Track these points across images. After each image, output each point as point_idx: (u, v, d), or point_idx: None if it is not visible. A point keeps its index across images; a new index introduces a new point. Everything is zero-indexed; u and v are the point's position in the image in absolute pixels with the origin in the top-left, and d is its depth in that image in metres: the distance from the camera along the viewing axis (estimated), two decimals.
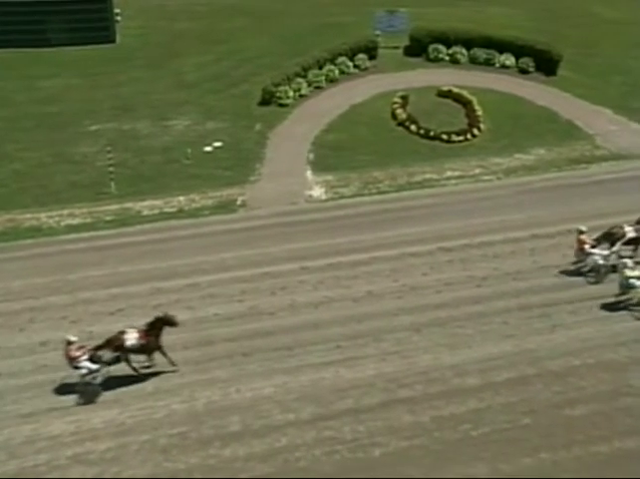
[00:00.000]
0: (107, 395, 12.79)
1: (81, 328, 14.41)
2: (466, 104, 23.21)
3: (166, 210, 18.73)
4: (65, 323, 14.54)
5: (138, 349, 12.93)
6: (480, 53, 26.04)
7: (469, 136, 22.00)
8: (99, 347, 12.84)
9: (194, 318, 14.65)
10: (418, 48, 26.53)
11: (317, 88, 24.44)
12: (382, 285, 15.67)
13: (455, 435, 12.10)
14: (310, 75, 24.48)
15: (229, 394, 12.87)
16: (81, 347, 12.71)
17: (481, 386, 13.06)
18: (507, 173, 20.64)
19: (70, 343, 12.65)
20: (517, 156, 21.39)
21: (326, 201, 19.29)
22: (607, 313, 14.74)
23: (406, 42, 26.82)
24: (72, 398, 12.67)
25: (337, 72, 25.04)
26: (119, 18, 28.74)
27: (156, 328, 12.98)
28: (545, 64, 25.57)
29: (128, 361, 13.02)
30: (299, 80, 24.10)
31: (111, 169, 19.31)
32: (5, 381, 13.01)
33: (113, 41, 27.72)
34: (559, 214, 18.15)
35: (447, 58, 26.22)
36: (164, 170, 20.36)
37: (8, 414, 12.28)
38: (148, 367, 13.21)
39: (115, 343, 12.84)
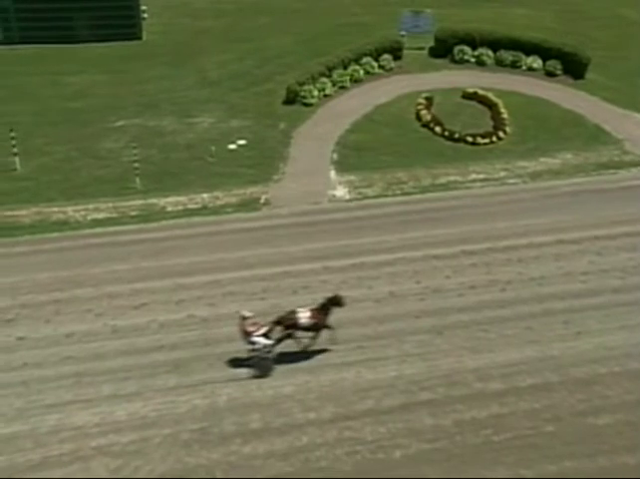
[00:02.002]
0: (129, 388, 12.91)
1: (105, 322, 14.58)
2: (491, 106, 23.03)
3: (190, 206, 18.83)
4: (89, 316, 14.70)
5: (308, 327, 13.40)
6: (507, 55, 25.81)
7: (494, 138, 21.81)
8: (272, 324, 13.27)
9: (216, 315, 14.73)
10: (443, 49, 26.39)
11: (341, 88, 24.41)
12: (404, 287, 15.60)
13: (476, 439, 12.01)
14: (335, 75, 24.46)
15: (250, 391, 12.91)
16: (254, 323, 13.14)
17: (504, 391, 12.94)
18: (533, 176, 20.43)
19: (245, 318, 13.11)
20: (543, 159, 21.16)
21: (349, 201, 19.25)
22: (635, 322, 14.52)
23: (431, 43, 26.70)
24: (96, 390, 12.81)
25: (362, 72, 25.00)
26: (145, 15, 29.00)
27: (325, 308, 13.48)
28: (573, 67, 25.28)
29: (293, 338, 13.47)
30: (324, 79, 24.09)
31: (136, 164, 19.47)
32: (31, 371, 13.18)
33: (139, 38, 27.97)
34: (586, 219, 17.95)
35: (472, 59, 26.04)
36: (189, 166, 20.48)
37: (33, 404, 12.44)
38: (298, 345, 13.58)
39: (287, 321, 13.31)
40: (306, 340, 13.64)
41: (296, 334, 13.51)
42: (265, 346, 13.09)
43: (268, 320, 13.34)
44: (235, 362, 13.50)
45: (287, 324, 13.40)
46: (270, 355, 13.17)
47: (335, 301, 13.59)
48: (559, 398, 12.69)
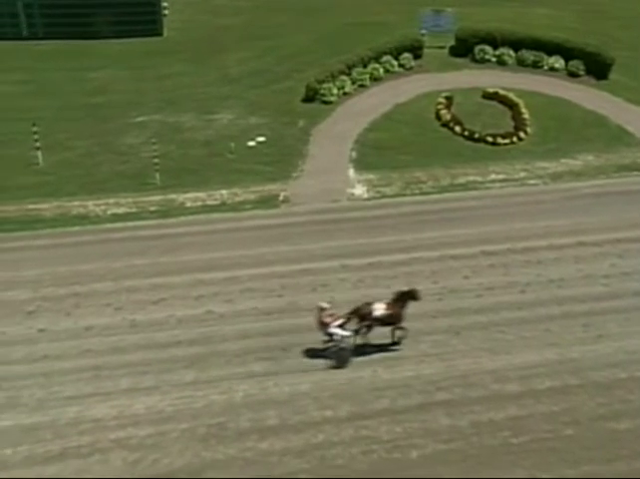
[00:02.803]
0: (147, 382, 13.02)
1: (124, 316, 14.72)
2: (512, 106, 22.82)
3: (209, 202, 18.93)
4: (109, 310, 14.84)
5: (384, 320, 13.53)
6: (528, 55, 25.56)
7: (514, 139, 21.62)
8: (349, 316, 13.42)
9: (234, 311, 14.81)
10: (463, 48, 26.19)
11: (361, 86, 24.35)
12: (421, 287, 15.38)
13: (493, 441, 11.96)
14: (354, 73, 24.41)
15: (267, 388, 12.96)
16: (331, 315, 13.32)
17: (522, 393, 12.86)
18: (554, 177, 20.23)
19: (322, 310, 13.30)
20: (564, 161, 20.95)
21: (368, 199, 19.22)
22: None
23: (451, 42, 26.51)
24: (115, 383, 12.94)
25: (381, 71, 24.91)
26: (166, 12, 29.15)
27: (400, 301, 13.61)
28: (596, 67, 24.96)
29: (368, 331, 13.58)
30: (343, 77, 24.05)
31: (155, 160, 19.60)
32: (51, 363, 13.36)
33: (160, 34, 28.12)
34: (607, 221, 17.75)
35: (493, 59, 25.82)
36: (208, 163, 20.57)
37: (54, 396, 12.61)
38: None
39: (364, 313, 13.43)
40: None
41: (371, 327, 13.54)
42: (343, 337, 13.25)
43: (345, 312, 13.46)
44: (252, 358, 13.55)
45: (363, 316, 13.50)
46: (348, 346, 13.33)
47: (411, 295, 13.69)
48: (579, 402, 12.59)
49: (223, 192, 19.34)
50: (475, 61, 25.86)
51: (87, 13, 27.33)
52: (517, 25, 27.08)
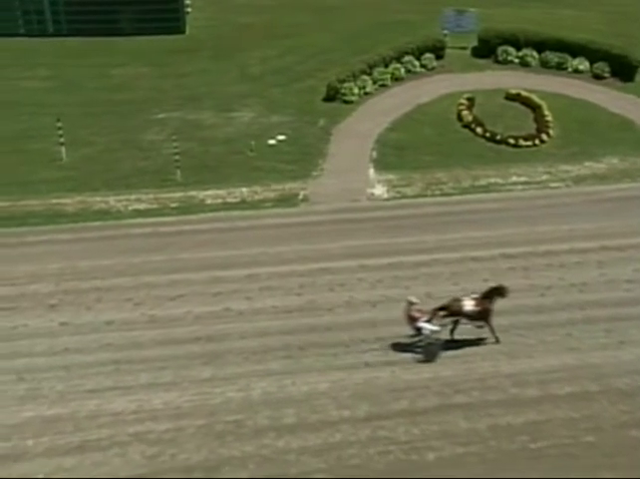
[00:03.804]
0: (166, 378, 13.09)
1: (143, 311, 14.82)
2: (535, 108, 22.60)
3: (229, 200, 18.99)
4: (128, 305, 14.96)
5: (472, 316, 13.61)
6: (552, 56, 25.28)
7: (537, 141, 21.40)
8: (437, 310, 13.53)
9: (252, 309, 14.84)
10: (486, 49, 25.99)
11: (382, 86, 24.27)
12: (441, 288, 15.40)
13: (511, 445, 11.84)
14: (376, 73, 24.34)
15: (285, 386, 12.96)
16: (420, 310, 13.46)
17: (541, 398, 12.72)
18: (577, 181, 19.99)
19: (411, 304, 13.44)
20: (588, 164, 20.69)
21: (388, 199, 19.15)
22: None
23: (474, 43, 26.32)
24: (134, 378, 13.04)
25: (403, 71, 24.81)
26: (188, 9, 29.33)
27: (489, 297, 13.65)
28: (622, 69, 24.60)
29: (455, 326, 13.68)
30: (364, 77, 24.00)
31: (176, 157, 19.72)
32: (72, 356, 13.49)
33: (182, 32, 28.30)
34: (631, 226, 17.47)
35: (516, 60, 25.59)
36: (228, 160, 20.64)
37: (74, 388, 12.73)
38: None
39: (453, 308, 13.54)
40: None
41: (458, 322, 13.64)
42: (432, 332, 13.32)
43: (433, 307, 13.54)
44: (270, 356, 13.57)
45: (452, 312, 13.55)
46: (438, 341, 13.40)
47: (499, 291, 13.66)
48: (599, 408, 12.41)
49: (243, 189, 19.39)
50: (497, 62, 25.64)
51: (111, 10, 27.61)
52: (542, 26, 26.79)
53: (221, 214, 18.40)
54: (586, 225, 17.67)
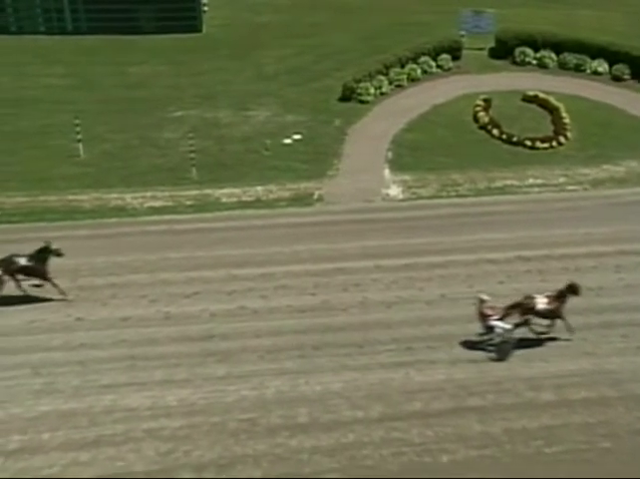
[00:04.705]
0: (180, 375, 13.15)
1: (158, 308, 14.90)
2: (552, 110, 22.44)
3: (244, 199, 19.04)
4: (144, 302, 15.03)
5: (545, 314, 13.59)
6: (571, 58, 25.10)
7: (554, 143, 21.26)
8: (510, 308, 13.52)
9: (267, 308, 14.86)
10: (503, 50, 25.88)
11: (398, 86, 24.24)
12: (456, 290, 15.38)
13: (526, 450, 11.74)
14: (392, 73, 24.30)
15: (298, 386, 12.96)
16: (492, 307, 13.46)
17: (557, 403, 12.60)
18: (594, 184, 19.82)
19: (482, 302, 13.47)
20: (606, 167, 20.50)
21: (403, 200, 19.10)
22: None
23: (491, 44, 26.21)
24: (148, 374, 13.11)
25: (419, 71, 24.75)
26: (206, 8, 29.46)
27: (563, 295, 13.61)
28: None
29: (527, 325, 13.65)
30: (380, 77, 23.97)
31: (192, 155, 19.80)
32: (87, 352, 13.58)
33: (199, 31, 28.44)
34: None
35: (534, 62, 25.45)
36: (244, 159, 20.70)
37: (90, 383, 12.81)
38: (543, 333, 13.86)
39: (525, 306, 13.50)
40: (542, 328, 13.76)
41: (531, 320, 13.60)
42: (504, 330, 13.28)
43: (505, 304, 13.51)
44: (284, 355, 13.58)
45: (524, 310, 13.49)
46: (511, 340, 13.34)
47: (572, 290, 13.59)
48: (616, 414, 12.28)
49: (258, 188, 19.43)
50: (515, 63, 25.51)
51: (129, 9, 27.83)
52: (561, 27, 26.62)
53: (237, 212, 18.45)
54: (604, 228, 17.51)
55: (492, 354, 13.41)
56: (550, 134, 21.58)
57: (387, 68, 24.31)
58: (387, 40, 26.39)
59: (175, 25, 27.75)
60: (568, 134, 21.55)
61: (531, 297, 13.50)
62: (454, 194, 19.36)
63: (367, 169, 20.28)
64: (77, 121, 20.18)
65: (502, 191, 19.46)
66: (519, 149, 21.17)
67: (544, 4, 30.21)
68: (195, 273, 15.87)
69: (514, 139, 21.34)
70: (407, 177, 20.00)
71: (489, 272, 15.97)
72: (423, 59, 24.93)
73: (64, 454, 11.40)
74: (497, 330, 13.33)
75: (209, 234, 17.45)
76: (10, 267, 14.58)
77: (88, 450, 11.49)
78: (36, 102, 23.00)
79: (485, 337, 13.51)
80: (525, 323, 13.70)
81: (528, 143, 21.20)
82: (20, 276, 14.75)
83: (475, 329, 14.24)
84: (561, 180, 19.99)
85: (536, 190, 19.56)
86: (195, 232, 17.57)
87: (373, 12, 29.83)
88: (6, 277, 14.61)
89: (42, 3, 27.68)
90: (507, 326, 13.37)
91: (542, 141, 21.26)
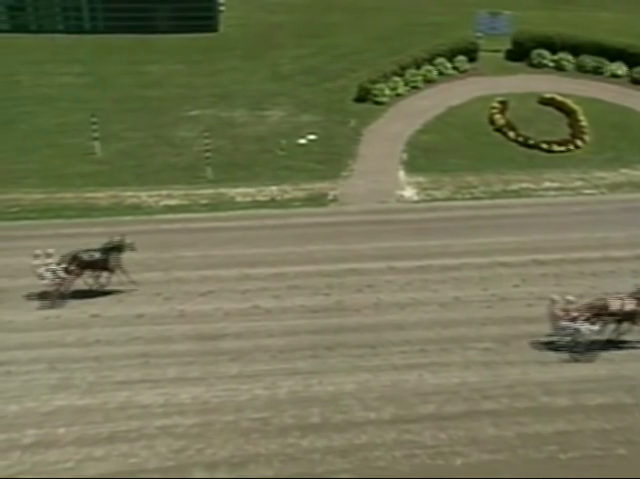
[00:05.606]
0: (194, 373, 13.20)
1: (173, 306, 14.96)
2: (569, 113, 22.30)
3: (259, 198, 19.09)
4: (158, 299, 15.10)
5: (619, 315, 13.44)
6: (589, 60, 24.93)
7: (571, 146, 21.14)
8: (583, 310, 13.43)
9: (280, 308, 14.87)
10: (520, 52, 25.78)
11: (414, 88, 24.20)
12: (470, 292, 15.31)
13: (540, 455, 11.63)
14: (407, 74, 24.27)
15: (311, 386, 12.94)
16: (564, 309, 13.39)
17: (572, 408, 12.48)
18: (612, 188, 19.66)
19: (554, 302, 13.45)
20: (624, 171, 20.32)
21: (417, 202, 19.06)
22: None
23: (508, 45, 26.10)
24: (162, 372, 13.16)
25: (435, 73, 24.70)
26: (222, 8, 29.59)
27: (637, 298, 13.42)
28: None
29: (602, 326, 13.50)
30: (396, 79, 23.94)
31: (207, 154, 19.88)
32: (102, 348, 13.67)
33: (215, 30, 28.59)
34: None
35: (551, 64, 25.30)
36: (259, 159, 20.76)
37: (104, 379, 12.89)
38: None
39: (599, 308, 13.39)
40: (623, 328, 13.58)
41: (608, 322, 13.43)
42: (577, 332, 13.21)
43: (579, 305, 13.41)
44: (297, 355, 13.58)
45: (599, 311, 13.36)
46: (583, 341, 13.26)
47: None
48: (633, 421, 12.13)
49: (273, 188, 19.47)
50: (531, 65, 25.38)
51: (146, 8, 28.04)
52: (579, 29, 26.42)
53: (251, 212, 18.50)
54: (620, 233, 17.35)
55: (565, 355, 13.10)
56: (567, 137, 21.44)
57: (402, 69, 24.29)
58: (402, 41, 26.35)
59: (192, 25, 27.93)
60: (585, 137, 21.40)
61: (605, 299, 13.26)
62: (468, 196, 19.28)
63: (382, 170, 20.26)
64: (93, 119, 20.34)
65: (518, 194, 19.35)
66: (535, 152, 21.05)
67: (561, 6, 30.02)
68: (209, 272, 15.93)
69: (531, 141, 21.22)
70: (421, 178, 19.95)
71: (504, 275, 15.88)
72: (439, 60, 24.88)
73: (78, 449, 11.48)
74: (570, 331, 13.12)
75: (224, 233, 17.51)
76: (83, 261, 14.70)
77: (102, 446, 11.56)
78: (53, 100, 23.24)
79: (555, 338, 13.37)
80: (604, 325, 13.39)
81: (545, 146, 21.07)
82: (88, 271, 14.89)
83: (487, 332, 14.20)
84: (578, 183, 19.84)
85: (552, 193, 19.43)
86: (210, 230, 17.64)
87: (388, 13, 29.80)
88: (78, 272, 14.70)
89: (61, 2, 28.00)
90: (594, 328, 13.07)
91: (559, 144, 21.12)
